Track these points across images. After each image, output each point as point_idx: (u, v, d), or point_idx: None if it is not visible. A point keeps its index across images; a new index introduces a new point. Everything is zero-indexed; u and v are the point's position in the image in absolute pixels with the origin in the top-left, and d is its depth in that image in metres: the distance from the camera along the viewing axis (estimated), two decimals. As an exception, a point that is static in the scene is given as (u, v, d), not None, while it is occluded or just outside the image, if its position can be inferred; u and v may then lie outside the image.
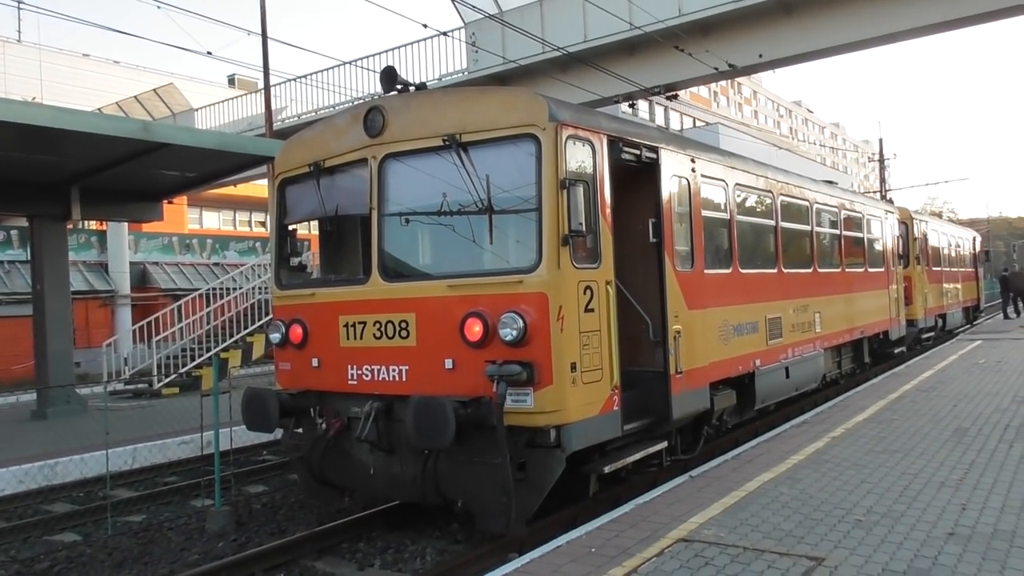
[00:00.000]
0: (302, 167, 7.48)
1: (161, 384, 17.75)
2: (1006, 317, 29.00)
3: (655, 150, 7.42)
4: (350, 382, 6.91)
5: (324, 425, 7.14)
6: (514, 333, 5.98)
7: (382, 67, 7.04)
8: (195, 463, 10.97)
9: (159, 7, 10.67)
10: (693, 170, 8.09)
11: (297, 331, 7.31)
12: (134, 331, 20.54)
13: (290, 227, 7.94)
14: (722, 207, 8.87)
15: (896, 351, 16.35)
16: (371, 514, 7.71)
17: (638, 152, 7.15)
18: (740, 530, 5.80)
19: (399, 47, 20.54)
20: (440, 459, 6.33)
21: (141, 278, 28.68)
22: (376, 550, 7.09)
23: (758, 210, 10.03)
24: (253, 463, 11.37)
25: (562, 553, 5.58)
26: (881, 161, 37.86)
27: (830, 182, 13.93)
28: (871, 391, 12.38)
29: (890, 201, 24.26)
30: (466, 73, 19.68)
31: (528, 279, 6.06)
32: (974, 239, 29.35)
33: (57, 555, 7.55)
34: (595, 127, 6.63)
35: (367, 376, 6.79)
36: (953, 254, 24.42)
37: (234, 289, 20.14)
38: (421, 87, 7.12)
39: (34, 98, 35.24)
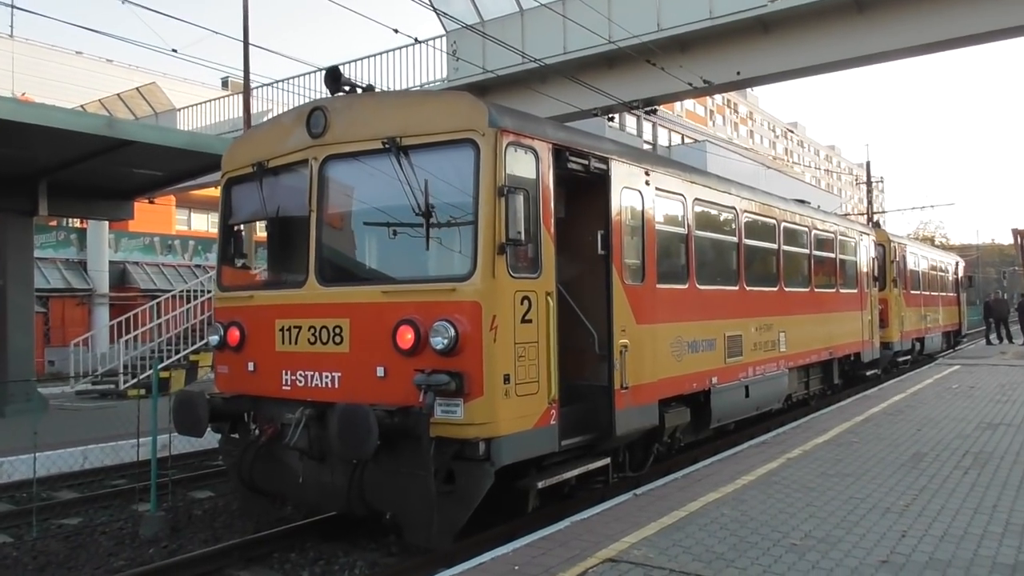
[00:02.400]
0: (247, 167, 7.34)
1: (127, 385, 17.51)
2: (988, 343, 28.96)
3: (605, 161, 7.30)
4: (284, 388, 6.75)
5: (257, 431, 6.97)
6: (445, 342, 5.84)
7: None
8: (146, 466, 10.75)
9: (123, 2, 10.53)
10: (647, 183, 7.97)
11: (235, 334, 7.16)
12: (110, 329, 20.32)
13: (235, 227, 7.79)
14: (679, 222, 8.75)
15: (870, 373, 16.23)
16: (307, 524, 7.53)
17: (586, 162, 7.03)
18: (671, 551, 5.64)
19: (378, 54, 20.49)
20: (367, 469, 6.16)
21: (120, 278, 28.45)
22: (307, 561, 6.90)
23: (719, 226, 9.92)
24: (206, 467, 11.18)
25: (484, 570, 5.41)
26: (869, 184, 37.87)
27: (802, 201, 13.85)
28: (837, 413, 12.24)
29: (876, 224, 24.20)
30: (446, 82, 19.61)
31: (461, 287, 5.92)
32: (957, 264, 29.32)
33: (-20, 556, 7.35)
34: (539, 135, 6.51)
35: (300, 382, 6.63)
36: (934, 278, 24.36)
37: (209, 291, 19.93)
38: (368, 89, 6.99)
39: (24, 94, 35.12)
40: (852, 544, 5.72)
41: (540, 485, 6.48)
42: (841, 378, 14.89)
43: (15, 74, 37.99)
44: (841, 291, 14.29)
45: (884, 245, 18.56)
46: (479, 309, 5.86)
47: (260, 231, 9.38)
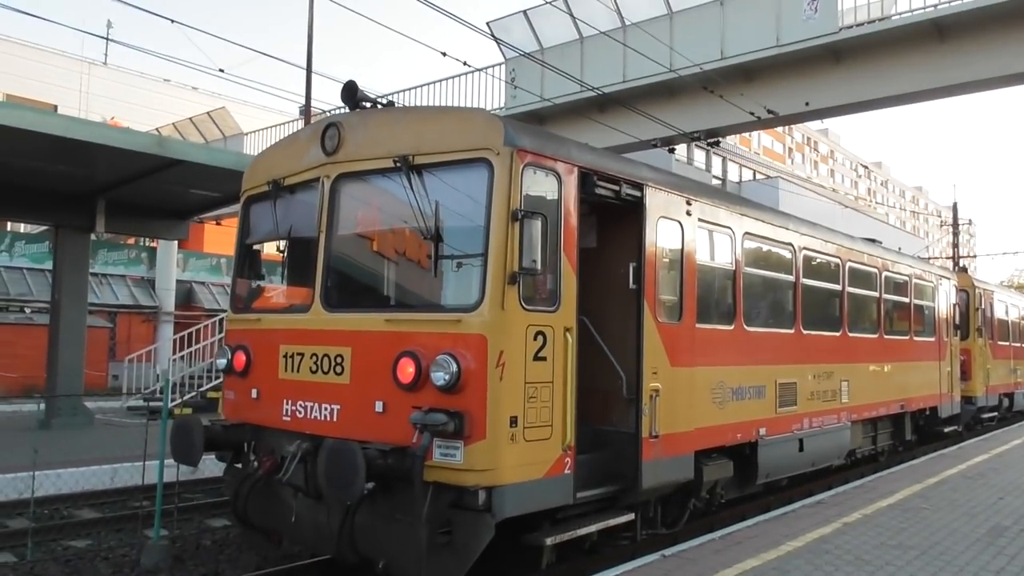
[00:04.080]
0: (264, 184, 7.07)
1: (174, 404, 17.60)
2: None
3: (639, 187, 6.71)
4: (284, 418, 6.35)
5: (256, 463, 6.58)
6: (446, 377, 5.33)
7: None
8: (172, 487, 10.55)
9: (172, 22, 10.68)
10: (688, 213, 7.33)
11: (241, 358, 6.82)
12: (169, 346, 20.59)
13: (253, 247, 7.51)
14: (726, 257, 8.05)
15: (948, 430, 14.88)
16: (310, 564, 7.08)
17: (617, 188, 6.46)
18: (690, 630, 4.94)
19: (437, 81, 20.40)
20: (361, 512, 5.66)
21: (187, 297, 29.10)
22: (301, 607, 6.45)
23: (774, 263, 9.13)
24: (230, 494, 10.89)
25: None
26: (956, 226, 35.82)
27: (872, 240, 12.84)
28: (907, 472, 11.13)
29: (963, 269, 22.56)
30: (504, 110, 19.39)
31: (467, 318, 5.42)
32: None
33: (-22, 576, 7.17)
34: (562, 156, 5.99)
35: (300, 413, 6.22)
36: (1027, 328, 22.47)
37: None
38: (389, 105, 6.63)
39: (112, 118, 36.87)
40: (907, 639, 4.89)
41: (549, 542, 5.84)
42: (915, 434, 13.65)
43: (110, 100, 40.01)
44: (915, 339, 13.15)
45: (967, 291, 17.19)
46: (484, 343, 5.33)
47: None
